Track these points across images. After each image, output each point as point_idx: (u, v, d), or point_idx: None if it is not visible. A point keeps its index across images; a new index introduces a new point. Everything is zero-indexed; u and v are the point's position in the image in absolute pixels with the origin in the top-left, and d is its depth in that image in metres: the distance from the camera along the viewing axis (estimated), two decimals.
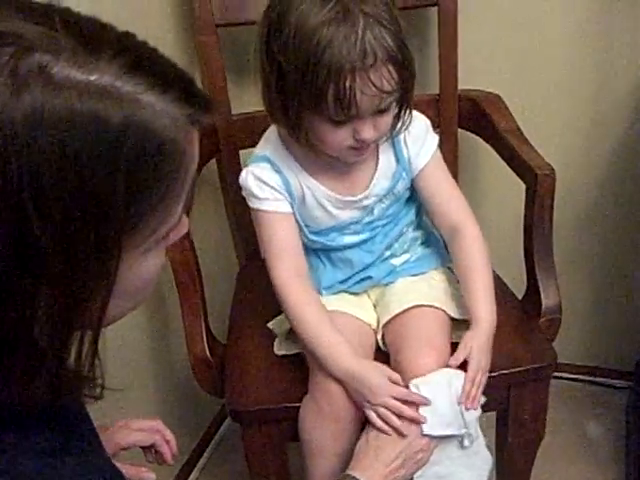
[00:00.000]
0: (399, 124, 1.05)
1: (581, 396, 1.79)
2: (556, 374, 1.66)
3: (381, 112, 0.99)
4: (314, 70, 0.92)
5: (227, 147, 1.44)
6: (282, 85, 0.97)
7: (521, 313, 1.25)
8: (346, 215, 1.14)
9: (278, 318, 1.21)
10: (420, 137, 1.13)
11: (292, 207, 1.11)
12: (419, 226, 1.24)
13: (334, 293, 1.20)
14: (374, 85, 0.93)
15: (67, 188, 0.49)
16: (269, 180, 1.09)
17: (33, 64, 0.47)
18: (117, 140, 0.50)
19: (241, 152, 1.47)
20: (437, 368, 1.04)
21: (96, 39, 0.51)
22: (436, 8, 1.36)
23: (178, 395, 1.61)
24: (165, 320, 1.53)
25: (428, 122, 1.15)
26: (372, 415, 1.01)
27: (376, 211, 1.15)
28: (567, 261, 1.53)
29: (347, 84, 0.91)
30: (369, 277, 1.19)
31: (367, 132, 0.99)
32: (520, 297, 1.29)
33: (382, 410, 1.00)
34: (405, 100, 1.02)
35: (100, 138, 0.49)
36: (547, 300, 1.21)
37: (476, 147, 1.40)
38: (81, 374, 0.58)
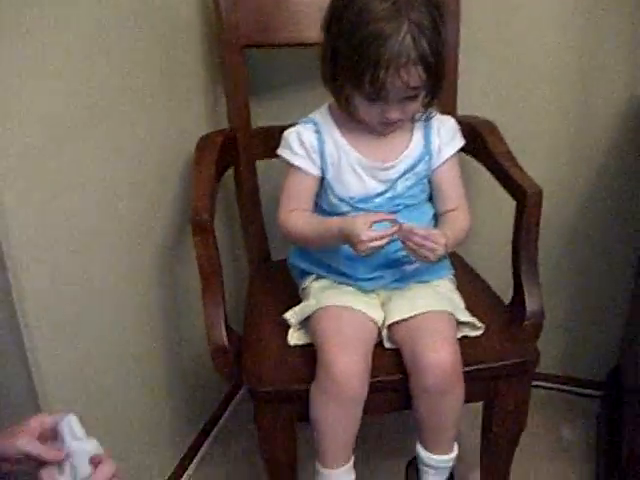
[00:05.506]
0: (423, 112, 1.27)
1: (557, 403, 1.90)
2: (536, 383, 1.79)
3: (408, 99, 1.19)
4: (359, 58, 1.12)
5: (245, 158, 1.56)
6: (334, 61, 1.18)
7: (507, 316, 1.35)
8: (373, 184, 1.28)
9: (292, 309, 1.30)
10: (450, 132, 1.33)
11: (321, 171, 1.28)
12: None
13: (343, 283, 1.31)
14: (402, 80, 1.13)
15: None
16: (307, 140, 1.28)
17: None
18: None
19: (257, 163, 1.59)
20: (452, 362, 1.16)
21: None
22: None
23: (185, 381, 1.70)
24: (177, 312, 1.62)
25: (457, 126, 1.35)
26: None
27: (399, 187, 1.29)
28: (548, 275, 1.64)
29: (381, 75, 1.12)
30: (381, 277, 1.29)
31: (393, 114, 1.20)
32: (507, 302, 1.39)
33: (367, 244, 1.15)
34: (432, 94, 1.22)
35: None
36: (531, 305, 1.31)
37: (471, 167, 1.54)
38: None
